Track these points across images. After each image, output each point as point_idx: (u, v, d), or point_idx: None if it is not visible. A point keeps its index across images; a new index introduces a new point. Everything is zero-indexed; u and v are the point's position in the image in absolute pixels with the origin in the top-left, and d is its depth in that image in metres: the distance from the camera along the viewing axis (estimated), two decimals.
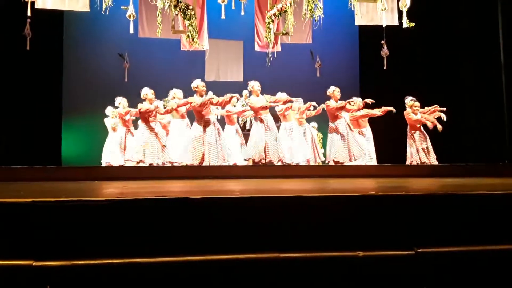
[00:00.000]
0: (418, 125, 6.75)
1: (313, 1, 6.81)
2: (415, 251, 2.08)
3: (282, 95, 6.82)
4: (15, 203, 2.02)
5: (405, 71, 8.55)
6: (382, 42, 7.42)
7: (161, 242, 2.03)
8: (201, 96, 6.20)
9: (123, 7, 6.89)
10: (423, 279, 2.07)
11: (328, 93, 6.78)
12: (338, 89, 6.79)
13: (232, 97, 6.40)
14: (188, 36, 6.92)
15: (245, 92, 7.97)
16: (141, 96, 6.41)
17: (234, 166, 6.38)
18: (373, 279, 2.05)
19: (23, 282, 1.87)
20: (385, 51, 7.45)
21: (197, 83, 6.26)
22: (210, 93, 6.98)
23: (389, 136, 7.61)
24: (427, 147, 6.72)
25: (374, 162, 7.07)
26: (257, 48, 7.54)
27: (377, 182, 4.10)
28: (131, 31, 6.98)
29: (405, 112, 6.81)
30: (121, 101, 7.09)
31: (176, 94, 6.95)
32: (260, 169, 5.97)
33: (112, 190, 3.26)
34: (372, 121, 7.33)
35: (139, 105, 6.35)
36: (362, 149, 6.74)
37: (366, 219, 2.18)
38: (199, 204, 2.10)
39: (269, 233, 2.10)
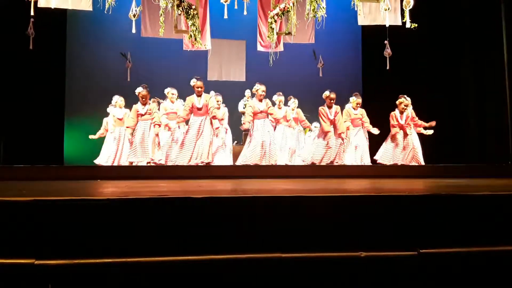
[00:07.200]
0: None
1: (316, 1, 6.80)
2: (418, 252, 2.07)
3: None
4: (17, 202, 2.02)
5: (408, 71, 8.51)
6: (385, 42, 7.39)
7: (162, 242, 2.02)
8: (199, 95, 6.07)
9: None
10: (426, 280, 2.06)
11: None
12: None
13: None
14: (191, 35, 6.91)
15: (247, 93, 7.95)
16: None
17: (232, 166, 6.36)
18: (376, 279, 2.04)
19: (25, 281, 1.87)
20: (388, 51, 7.42)
21: (193, 82, 6.12)
22: (212, 93, 6.98)
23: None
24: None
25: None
26: (259, 48, 7.53)
27: (379, 182, 4.08)
28: (134, 31, 6.97)
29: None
30: (117, 100, 7.05)
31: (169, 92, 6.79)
32: (260, 169, 5.96)
33: (114, 189, 3.25)
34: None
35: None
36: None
37: (369, 219, 2.17)
38: (200, 203, 2.09)
39: (272, 233, 2.09)
